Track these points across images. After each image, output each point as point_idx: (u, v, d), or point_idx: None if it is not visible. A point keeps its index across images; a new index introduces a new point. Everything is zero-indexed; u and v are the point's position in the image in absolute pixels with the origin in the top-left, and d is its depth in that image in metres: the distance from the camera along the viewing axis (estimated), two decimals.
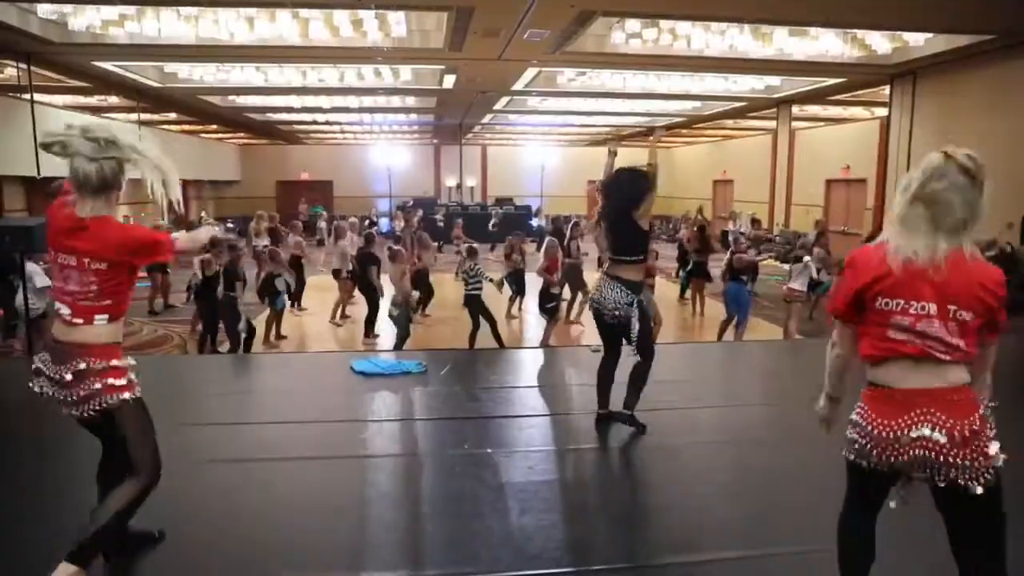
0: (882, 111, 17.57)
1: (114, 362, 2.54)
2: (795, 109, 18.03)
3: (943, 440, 2.01)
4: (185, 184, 23.80)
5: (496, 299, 9.23)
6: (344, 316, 10.50)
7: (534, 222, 21.66)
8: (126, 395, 2.54)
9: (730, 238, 11.16)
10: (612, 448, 4.19)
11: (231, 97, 16.82)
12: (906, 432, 2.05)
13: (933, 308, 2.07)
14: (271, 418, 4.67)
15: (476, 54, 11.98)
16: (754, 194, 21.32)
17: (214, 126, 22.44)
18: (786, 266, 16.60)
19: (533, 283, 9.58)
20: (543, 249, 8.59)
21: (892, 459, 2.09)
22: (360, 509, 3.37)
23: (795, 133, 18.98)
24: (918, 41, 11.68)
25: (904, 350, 2.10)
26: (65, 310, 2.52)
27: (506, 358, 6.69)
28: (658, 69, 13.68)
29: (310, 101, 17.31)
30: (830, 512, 2.36)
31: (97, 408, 2.51)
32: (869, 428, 2.13)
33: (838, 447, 2.26)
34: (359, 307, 10.22)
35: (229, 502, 3.41)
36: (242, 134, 25.50)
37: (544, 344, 8.28)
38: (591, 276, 8.77)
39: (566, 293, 9.81)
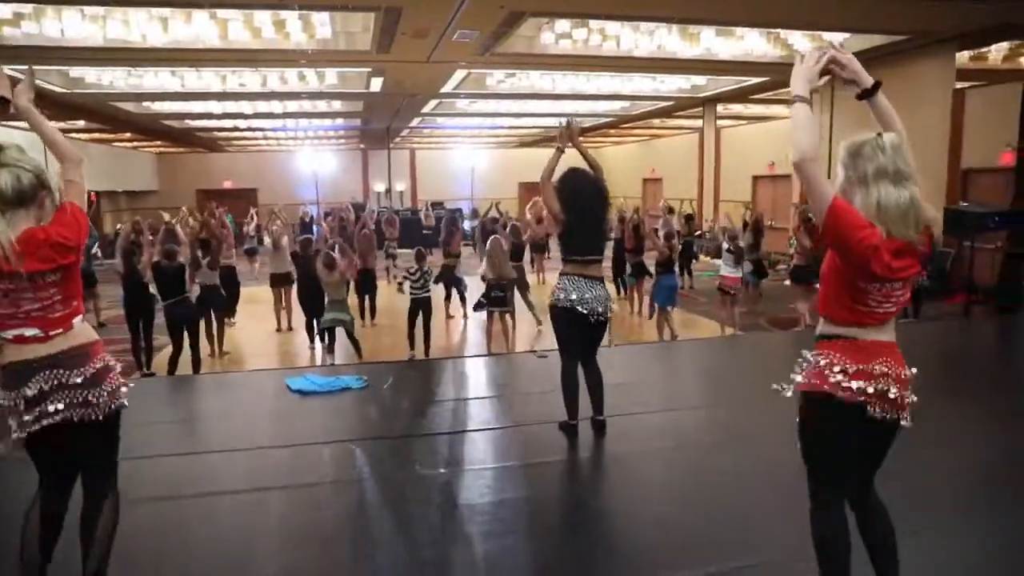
0: None
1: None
2: (719, 108, 18.40)
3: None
4: (97, 196, 22.74)
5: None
6: (289, 326, 10.13)
7: (467, 224, 21.48)
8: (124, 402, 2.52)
9: (660, 232, 11.22)
10: (574, 460, 4.05)
11: (146, 103, 15.97)
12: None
13: None
14: (199, 447, 4.34)
15: (404, 56, 11.69)
16: (683, 192, 21.68)
17: (128, 134, 21.31)
18: (718, 262, 17.01)
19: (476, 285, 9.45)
20: (489, 250, 8.41)
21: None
22: (300, 546, 3.11)
23: (721, 131, 19.36)
24: (837, 40, 11.98)
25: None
26: (31, 331, 2.33)
27: (451, 368, 6.45)
28: (587, 70, 13.68)
29: (231, 107, 16.61)
30: (792, 518, 2.31)
31: (113, 407, 2.46)
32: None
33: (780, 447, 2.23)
34: (297, 315, 9.83)
35: (152, 547, 3.09)
36: (159, 142, 24.35)
37: (490, 341, 8.19)
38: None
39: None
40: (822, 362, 2.24)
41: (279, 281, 10.09)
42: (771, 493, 3.45)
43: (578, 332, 4.17)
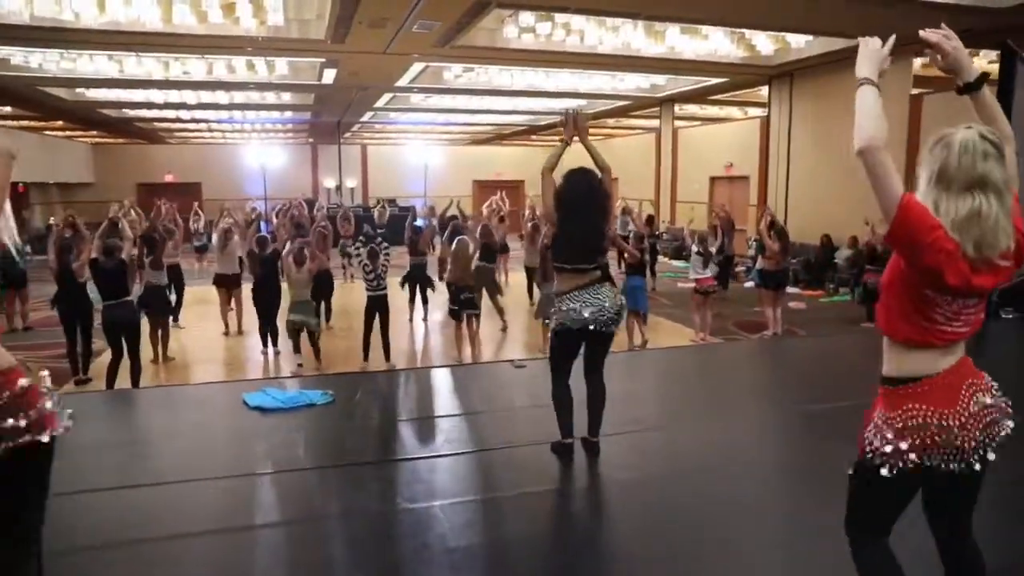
0: (756, 111, 18.26)
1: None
2: (676, 108, 18.38)
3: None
4: (25, 188, 21.46)
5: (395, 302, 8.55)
6: (240, 330, 9.55)
7: (420, 222, 20.97)
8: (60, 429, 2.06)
9: (631, 234, 11.00)
10: (570, 489, 3.65)
11: (80, 90, 15.02)
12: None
13: None
14: (144, 478, 3.75)
15: (360, 47, 11.21)
16: (639, 192, 21.61)
17: (60, 122, 20.11)
18: (677, 263, 16.95)
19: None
20: (455, 250, 8.02)
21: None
22: None
23: (678, 132, 19.35)
24: (799, 43, 12.00)
25: None
26: None
27: (423, 379, 6.00)
28: (550, 66, 13.41)
29: (174, 96, 15.76)
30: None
31: (34, 443, 1.99)
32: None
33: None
34: (248, 317, 9.28)
35: None
36: (95, 132, 23.12)
37: (460, 346, 7.84)
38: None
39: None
40: (900, 423, 1.92)
41: (226, 282, 9.50)
42: (783, 526, 3.18)
43: (576, 351, 3.83)
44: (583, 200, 3.75)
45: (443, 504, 3.35)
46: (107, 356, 6.91)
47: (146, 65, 12.46)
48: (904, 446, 1.89)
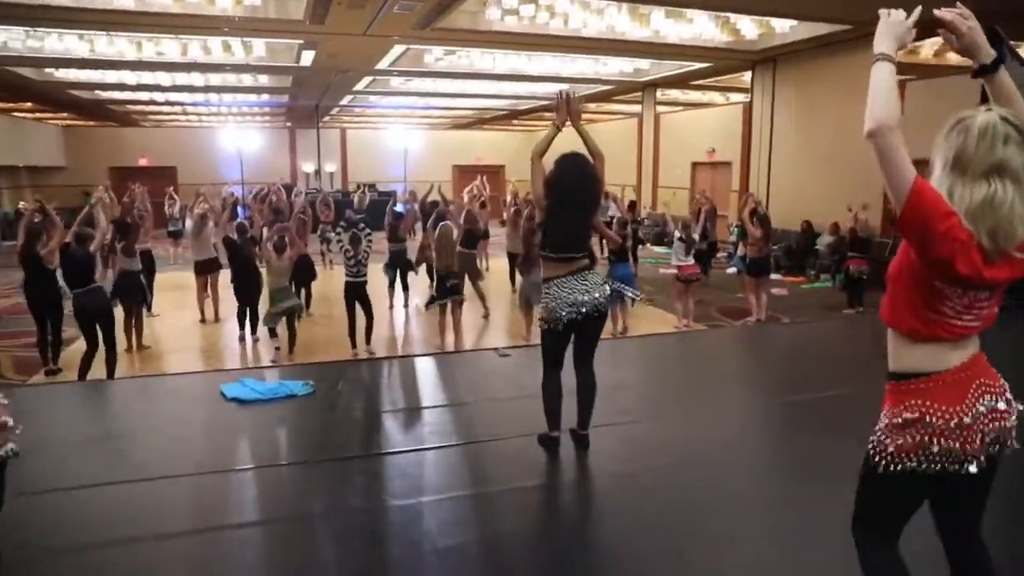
0: (738, 96, 18.22)
1: None
2: (658, 93, 18.29)
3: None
4: None
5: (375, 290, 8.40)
6: (216, 317, 9.35)
7: (400, 207, 20.77)
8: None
9: (613, 220, 10.91)
10: (559, 483, 3.57)
11: (48, 70, 14.58)
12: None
13: None
14: (118, 476, 3.60)
15: (339, 28, 10.97)
16: (621, 177, 21.51)
17: (29, 104, 19.57)
18: (659, 249, 16.93)
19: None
20: (439, 236, 7.87)
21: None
22: None
23: (660, 117, 19.26)
24: (783, 28, 11.94)
25: None
26: None
27: (406, 369, 5.86)
28: (532, 49, 13.24)
29: (147, 78, 15.37)
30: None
31: None
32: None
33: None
34: (224, 305, 9.10)
35: None
36: (66, 114, 22.54)
37: (443, 334, 7.73)
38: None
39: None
40: (908, 416, 1.84)
41: (204, 268, 9.28)
42: (775, 520, 3.13)
43: (567, 344, 3.74)
44: (574, 187, 3.65)
45: (430, 500, 3.26)
46: (79, 345, 6.70)
47: (118, 45, 12.10)
48: (904, 443, 1.83)
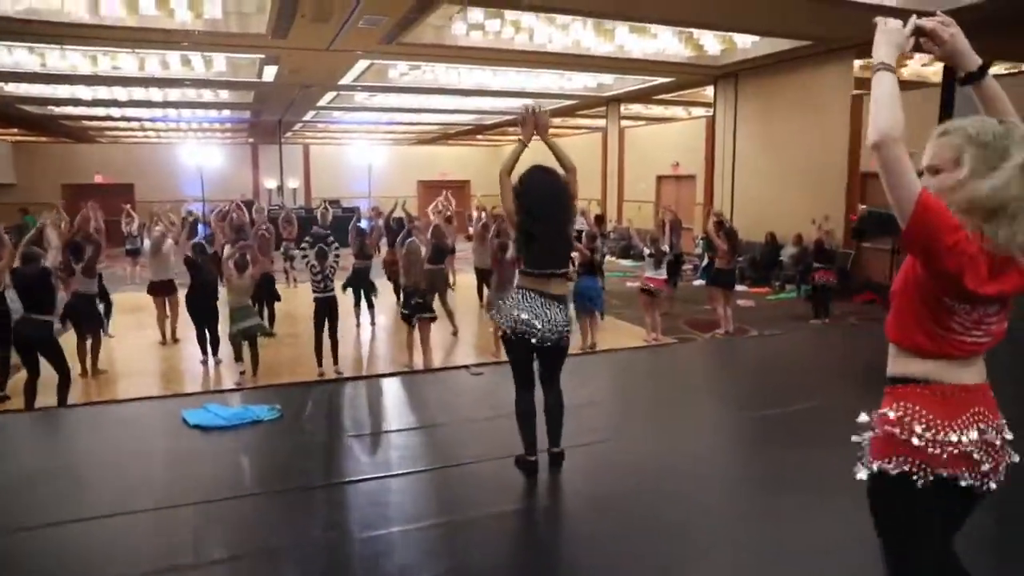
0: (700, 111, 18.47)
1: None
2: (622, 108, 18.46)
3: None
4: None
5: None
6: (175, 338, 9.07)
7: (364, 223, 20.56)
8: None
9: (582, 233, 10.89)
10: (536, 507, 3.45)
11: None
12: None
13: None
14: (70, 515, 3.34)
15: (303, 43, 10.83)
16: (586, 191, 21.59)
17: None
18: (624, 262, 17.00)
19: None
20: (407, 252, 7.75)
21: None
22: None
23: (624, 131, 19.41)
24: (745, 44, 12.11)
25: None
26: None
27: (374, 389, 5.69)
28: (497, 64, 13.24)
29: (103, 93, 14.99)
30: None
31: None
32: None
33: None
34: (184, 325, 8.84)
35: None
36: (16, 130, 21.89)
37: (411, 352, 7.59)
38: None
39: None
40: (891, 415, 1.78)
41: (161, 289, 8.99)
42: (760, 538, 3.07)
43: (529, 355, 3.65)
44: (544, 200, 3.58)
45: (403, 530, 3.12)
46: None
47: (71, 59, 11.77)
48: (884, 440, 1.77)
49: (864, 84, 12.43)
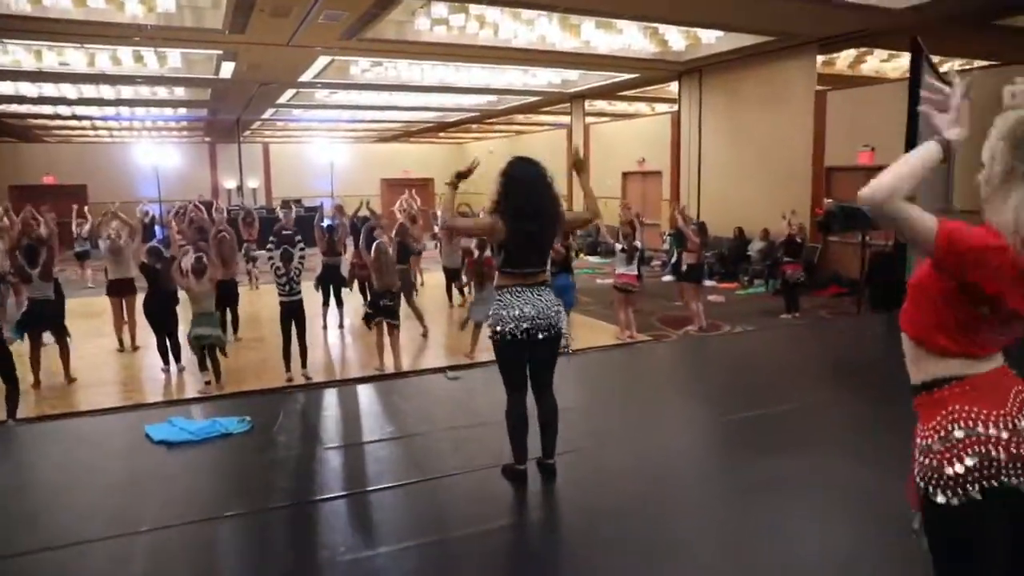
0: (663, 107, 18.49)
1: None
2: (586, 104, 18.40)
3: None
4: None
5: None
6: (134, 346, 8.70)
7: (327, 221, 20.18)
8: None
9: None
10: (528, 521, 3.30)
11: None
12: None
13: None
14: (20, 546, 3.05)
15: (261, 38, 10.50)
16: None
17: None
18: (592, 259, 16.95)
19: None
20: (377, 254, 7.54)
21: None
22: None
23: (589, 128, 19.36)
24: (710, 39, 12.12)
25: None
26: None
27: (346, 397, 5.41)
28: (461, 60, 13.04)
29: (50, 90, 14.40)
30: None
31: None
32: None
33: None
34: (143, 331, 8.50)
35: None
36: None
37: (381, 355, 7.40)
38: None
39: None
40: (936, 437, 1.64)
41: (120, 289, 8.60)
42: (767, 549, 2.97)
43: (525, 358, 3.48)
44: (538, 194, 3.44)
45: (389, 551, 2.93)
46: None
47: (14, 53, 11.25)
48: (959, 462, 1.60)
49: (826, 79, 12.57)
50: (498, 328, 3.42)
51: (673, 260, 13.22)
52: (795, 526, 3.17)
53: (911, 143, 8.83)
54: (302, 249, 7.35)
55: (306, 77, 14.06)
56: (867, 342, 7.10)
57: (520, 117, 21.85)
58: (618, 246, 8.94)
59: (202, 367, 7.04)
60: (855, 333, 7.92)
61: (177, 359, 7.65)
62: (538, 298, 3.44)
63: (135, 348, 8.73)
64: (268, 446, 4.12)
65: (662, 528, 3.16)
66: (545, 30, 10.86)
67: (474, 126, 24.16)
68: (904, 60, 13.21)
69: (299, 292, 7.25)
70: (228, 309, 8.82)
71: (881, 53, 13.06)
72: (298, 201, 23.30)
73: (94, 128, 22.10)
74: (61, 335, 7.43)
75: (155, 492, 3.60)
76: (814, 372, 6.05)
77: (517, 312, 3.38)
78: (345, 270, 9.74)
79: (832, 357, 6.57)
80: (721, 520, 3.25)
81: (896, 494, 2.04)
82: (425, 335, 9.14)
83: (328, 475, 3.76)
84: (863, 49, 12.65)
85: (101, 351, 8.63)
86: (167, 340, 7.64)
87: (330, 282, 9.45)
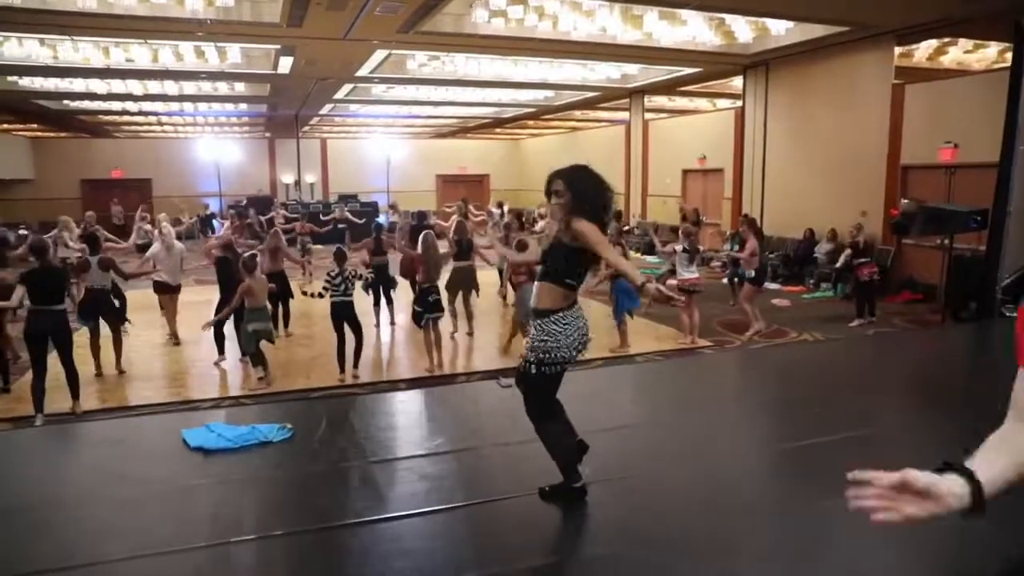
0: (725, 103, 17.85)
1: None
2: (645, 100, 17.91)
3: None
4: None
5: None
6: (176, 340, 8.72)
7: (382, 218, 20.21)
8: None
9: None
10: (587, 556, 2.99)
11: (11, 78, 13.87)
12: None
13: None
14: (27, 565, 2.85)
15: (318, 32, 10.44)
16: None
17: None
18: (650, 258, 16.47)
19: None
20: (425, 246, 7.36)
21: None
22: None
23: (648, 124, 18.86)
24: (779, 31, 11.55)
25: None
26: None
27: (394, 404, 5.21)
28: (519, 54, 12.77)
29: (118, 86, 14.70)
30: None
31: None
32: None
33: None
34: (184, 328, 8.51)
35: None
36: (34, 125, 21.74)
37: (431, 355, 7.19)
38: None
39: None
40: None
41: (165, 290, 8.63)
42: None
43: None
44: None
45: None
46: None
47: (84, 51, 11.47)
48: None
49: (901, 73, 11.82)
50: (549, 364, 3.12)
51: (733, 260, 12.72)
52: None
53: (1009, 139, 8.18)
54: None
55: (363, 72, 14.01)
56: (956, 358, 6.51)
57: (577, 113, 21.48)
58: (678, 247, 8.55)
59: (255, 362, 6.95)
60: (940, 346, 7.29)
61: (243, 354, 7.55)
62: (578, 320, 3.19)
63: (177, 343, 8.67)
64: (308, 458, 3.89)
65: (727, 570, 2.82)
66: (606, 22, 10.49)
67: (530, 122, 23.86)
68: (991, 51, 12.39)
69: (351, 293, 7.11)
70: (280, 302, 8.76)
71: (965, 43, 12.26)
72: (354, 196, 23.45)
73: (160, 124, 22.65)
74: (116, 326, 7.47)
75: (187, 506, 3.39)
76: (892, 392, 5.52)
77: (578, 335, 3.14)
78: (393, 270, 9.61)
79: (916, 374, 6.01)
80: (791, 564, 2.89)
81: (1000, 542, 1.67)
82: (471, 334, 8.93)
83: (369, 494, 3.51)
84: (946, 40, 11.89)
85: (148, 344, 8.63)
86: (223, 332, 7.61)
87: (379, 282, 9.30)
